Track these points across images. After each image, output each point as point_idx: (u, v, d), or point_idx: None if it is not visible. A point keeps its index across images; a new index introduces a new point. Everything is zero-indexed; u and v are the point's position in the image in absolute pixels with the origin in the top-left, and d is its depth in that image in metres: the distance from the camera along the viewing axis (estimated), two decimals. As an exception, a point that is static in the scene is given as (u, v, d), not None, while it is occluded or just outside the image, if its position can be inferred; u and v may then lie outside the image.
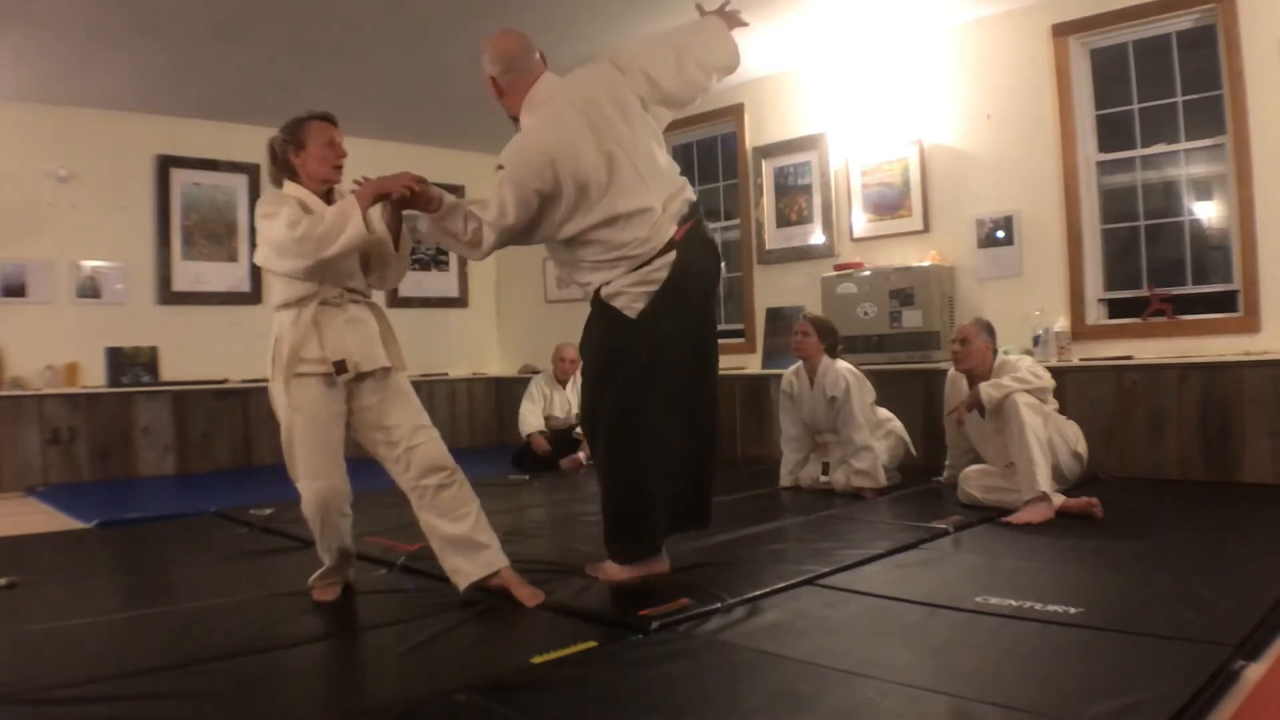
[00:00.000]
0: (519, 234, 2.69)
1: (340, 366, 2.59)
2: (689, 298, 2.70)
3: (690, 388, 2.75)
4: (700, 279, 2.74)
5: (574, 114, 2.64)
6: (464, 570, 2.64)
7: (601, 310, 2.71)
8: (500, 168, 2.63)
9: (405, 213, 2.69)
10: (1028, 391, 3.67)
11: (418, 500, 2.67)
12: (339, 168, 2.67)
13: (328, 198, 2.65)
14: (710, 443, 2.85)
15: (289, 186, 2.66)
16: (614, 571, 2.75)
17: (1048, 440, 3.64)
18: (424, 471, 2.63)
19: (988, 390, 3.72)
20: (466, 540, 2.63)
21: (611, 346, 2.70)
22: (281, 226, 2.46)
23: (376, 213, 2.69)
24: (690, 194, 2.77)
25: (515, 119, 2.78)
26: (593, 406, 2.78)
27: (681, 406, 2.73)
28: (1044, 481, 3.50)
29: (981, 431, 3.94)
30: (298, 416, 2.59)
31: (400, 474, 2.67)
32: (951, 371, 4.18)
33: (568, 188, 2.59)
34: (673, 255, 2.64)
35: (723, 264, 2.91)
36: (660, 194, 2.68)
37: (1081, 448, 3.93)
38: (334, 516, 2.64)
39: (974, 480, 3.86)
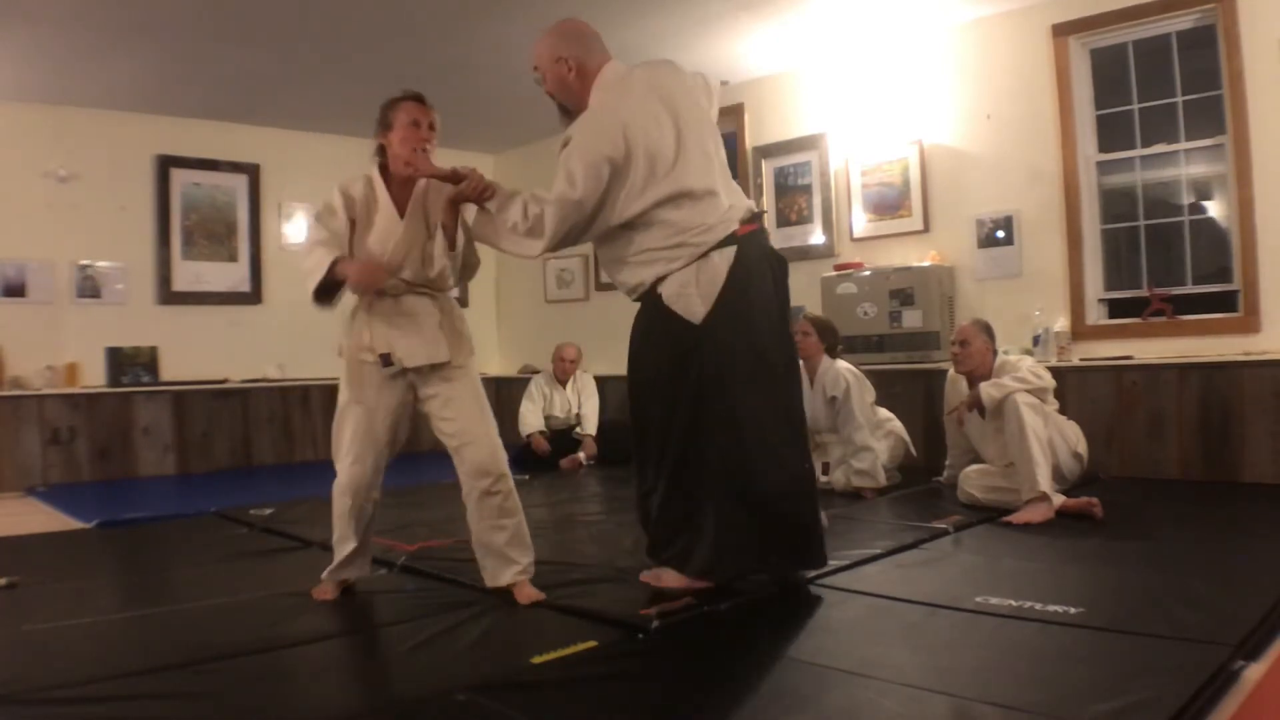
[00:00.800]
0: (585, 217, 2.51)
1: (386, 359, 2.62)
2: (755, 305, 2.52)
3: (773, 413, 2.54)
4: (766, 287, 2.58)
5: (646, 90, 2.58)
6: (490, 571, 2.69)
7: (659, 315, 2.52)
8: (566, 144, 2.54)
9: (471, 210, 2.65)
10: (1028, 391, 3.68)
11: (465, 495, 2.71)
12: (423, 150, 2.63)
13: (410, 183, 2.66)
14: (805, 479, 2.64)
15: (373, 172, 2.69)
16: (670, 579, 2.61)
17: (1048, 440, 3.64)
18: (472, 473, 2.66)
19: (988, 390, 3.72)
20: (499, 552, 2.66)
21: (674, 355, 2.50)
22: (313, 219, 2.68)
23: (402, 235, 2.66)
24: (754, 205, 2.67)
25: (570, 113, 2.67)
26: (651, 421, 2.58)
27: (762, 429, 2.51)
28: (1044, 481, 3.50)
29: (981, 431, 3.94)
30: (345, 398, 2.68)
31: (457, 466, 2.72)
32: (951, 372, 4.18)
33: (638, 157, 2.47)
34: (734, 250, 2.48)
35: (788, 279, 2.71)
36: (725, 188, 2.59)
37: (1082, 448, 3.93)
38: (362, 501, 2.69)
39: (974, 480, 3.86)
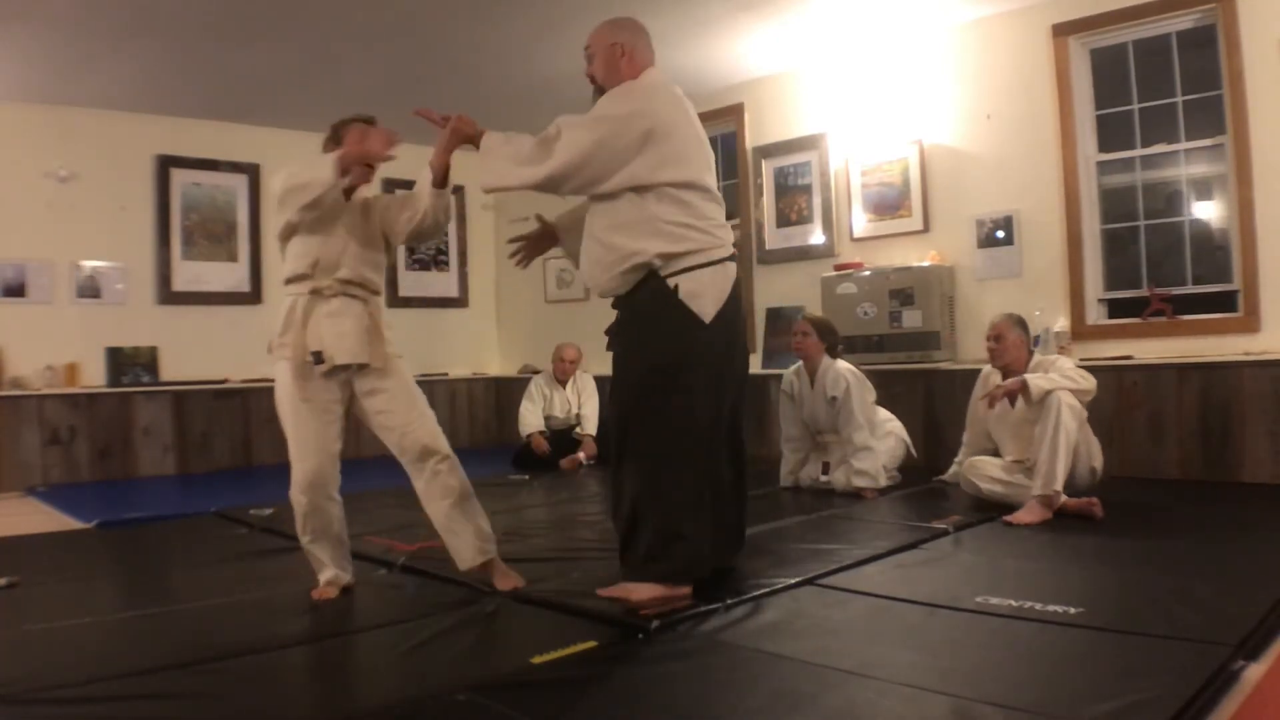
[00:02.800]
0: (603, 161, 2.52)
1: (318, 357, 2.69)
2: (738, 320, 2.74)
3: (732, 410, 2.74)
4: (741, 307, 2.78)
5: (680, 98, 2.70)
6: (458, 552, 2.75)
7: (671, 307, 2.55)
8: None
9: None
10: (1073, 391, 3.64)
11: (414, 479, 2.78)
12: (370, 166, 2.75)
13: (354, 191, 2.77)
14: (743, 469, 2.83)
15: None
16: (639, 592, 2.49)
17: (1075, 445, 3.60)
18: (419, 457, 2.73)
19: (1037, 381, 3.63)
20: (458, 525, 2.73)
21: (683, 348, 2.55)
22: (278, 180, 2.69)
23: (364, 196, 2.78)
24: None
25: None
26: (650, 409, 2.55)
27: (728, 426, 2.72)
28: (1059, 481, 3.48)
29: (1007, 421, 3.88)
30: (283, 398, 2.73)
31: (400, 457, 2.79)
32: (986, 368, 4.12)
33: (661, 135, 2.53)
34: (735, 266, 2.68)
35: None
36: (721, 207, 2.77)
37: (1098, 464, 3.82)
38: (320, 499, 2.73)
39: (979, 470, 3.85)
